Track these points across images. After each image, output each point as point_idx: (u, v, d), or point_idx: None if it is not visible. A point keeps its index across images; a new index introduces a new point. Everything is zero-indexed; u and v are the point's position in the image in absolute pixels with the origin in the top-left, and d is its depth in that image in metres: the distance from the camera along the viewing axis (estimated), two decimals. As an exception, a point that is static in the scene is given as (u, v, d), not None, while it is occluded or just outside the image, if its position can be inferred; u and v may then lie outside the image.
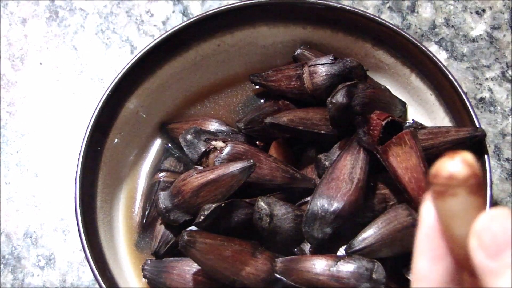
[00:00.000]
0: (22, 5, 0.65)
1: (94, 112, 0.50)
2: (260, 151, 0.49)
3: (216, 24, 0.53)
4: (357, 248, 0.45)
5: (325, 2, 0.52)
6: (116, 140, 0.53)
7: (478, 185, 0.25)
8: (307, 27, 0.54)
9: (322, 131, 0.50)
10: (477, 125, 0.47)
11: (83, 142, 0.49)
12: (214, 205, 0.45)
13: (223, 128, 0.54)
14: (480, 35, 0.60)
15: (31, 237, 0.56)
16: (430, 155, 0.47)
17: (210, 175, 0.46)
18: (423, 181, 0.45)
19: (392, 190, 0.48)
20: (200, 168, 0.49)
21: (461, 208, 0.25)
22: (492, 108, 0.58)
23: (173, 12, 0.64)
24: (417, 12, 0.62)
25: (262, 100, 0.56)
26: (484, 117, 0.57)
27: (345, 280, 0.43)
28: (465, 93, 0.48)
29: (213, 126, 0.54)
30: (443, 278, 0.26)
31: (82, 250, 0.46)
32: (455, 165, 0.25)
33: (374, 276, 0.42)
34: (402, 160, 0.45)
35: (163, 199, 0.48)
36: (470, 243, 0.25)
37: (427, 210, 0.27)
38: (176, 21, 0.64)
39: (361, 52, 0.54)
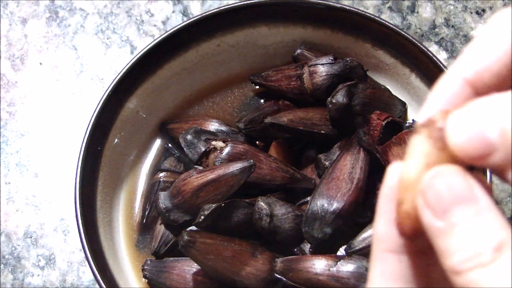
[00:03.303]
0: (22, 5, 0.65)
1: (94, 112, 0.50)
2: (260, 151, 0.49)
3: (216, 24, 0.53)
4: (357, 248, 0.45)
5: (325, 2, 0.52)
6: (116, 140, 0.53)
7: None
8: (307, 27, 0.54)
9: (322, 131, 0.50)
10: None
11: (83, 142, 0.49)
12: (214, 205, 0.45)
13: (223, 128, 0.54)
14: (480, 35, 0.60)
15: (31, 237, 0.56)
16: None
17: (210, 175, 0.46)
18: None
19: (392, 190, 0.47)
20: (200, 168, 0.49)
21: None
22: (492, 108, 0.58)
23: (173, 12, 0.64)
24: (417, 12, 0.62)
25: (262, 100, 0.56)
26: (484, 117, 0.57)
27: (345, 280, 0.43)
28: (465, 93, 0.48)
29: (213, 126, 0.54)
30: (399, 241, 0.25)
31: (82, 250, 0.46)
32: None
33: (374, 276, 0.42)
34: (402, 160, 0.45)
35: (163, 199, 0.48)
36: (417, 201, 0.23)
37: (392, 170, 0.25)
38: (176, 21, 0.63)
39: (361, 52, 0.54)
